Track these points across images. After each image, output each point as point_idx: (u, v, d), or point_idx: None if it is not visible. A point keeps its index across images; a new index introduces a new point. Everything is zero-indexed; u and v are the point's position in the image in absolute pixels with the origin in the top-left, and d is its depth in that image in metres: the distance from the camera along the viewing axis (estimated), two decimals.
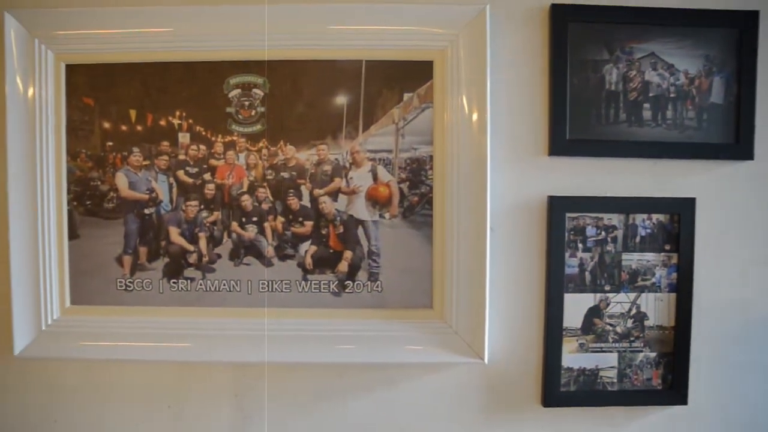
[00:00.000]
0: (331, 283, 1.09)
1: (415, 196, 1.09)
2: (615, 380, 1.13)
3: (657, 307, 1.13)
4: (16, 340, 1.02)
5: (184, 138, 1.07)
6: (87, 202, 1.03)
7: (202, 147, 1.08)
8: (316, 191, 1.09)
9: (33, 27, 1.01)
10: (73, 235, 1.05)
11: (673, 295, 1.13)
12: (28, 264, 1.02)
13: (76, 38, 1.02)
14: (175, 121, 1.05)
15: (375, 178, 1.10)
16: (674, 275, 1.13)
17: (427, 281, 1.09)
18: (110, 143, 1.05)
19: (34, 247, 1.02)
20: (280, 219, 1.07)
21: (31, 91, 1.01)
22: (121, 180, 1.05)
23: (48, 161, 1.03)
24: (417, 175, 1.10)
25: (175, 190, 1.08)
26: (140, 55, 1.04)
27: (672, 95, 1.12)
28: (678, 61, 1.11)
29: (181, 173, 1.08)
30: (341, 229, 1.08)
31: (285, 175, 1.09)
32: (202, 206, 1.07)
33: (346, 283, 1.09)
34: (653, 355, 1.13)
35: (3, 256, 1.02)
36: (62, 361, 1.01)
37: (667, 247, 1.13)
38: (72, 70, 1.03)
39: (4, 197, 1.02)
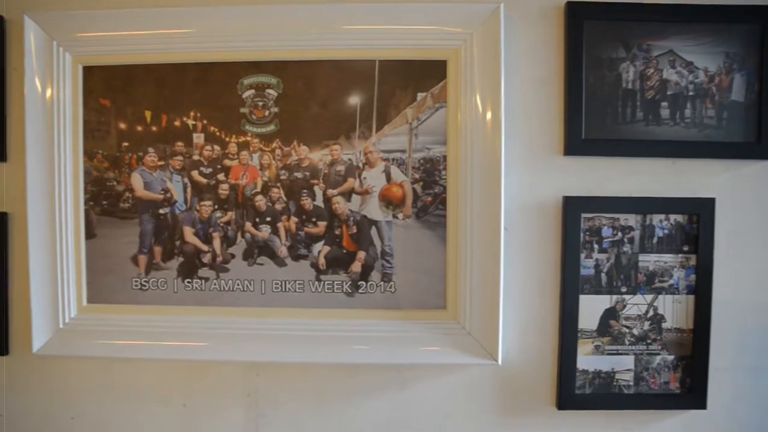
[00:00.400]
0: (344, 283, 1.08)
1: (428, 197, 1.09)
2: (631, 383, 1.11)
3: (675, 309, 1.11)
4: (34, 337, 1.04)
5: (198, 138, 1.08)
6: (103, 202, 1.04)
7: (216, 147, 1.08)
8: (330, 191, 1.09)
9: (51, 30, 1.03)
10: (89, 234, 1.06)
11: (691, 297, 1.11)
12: (46, 263, 1.03)
13: (92, 41, 1.03)
14: (190, 122, 1.06)
15: (388, 178, 1.09)
16: (692, 277, 1.11)
17: (440, 282, 1.08)
18: (126, 144, 1.06)
19: (52, 246, 1.04)
20: (294, 219, 1.08)
21: (49, 92, 1.03)
22: (137, 180, 1.06)
23: (65, 161, 1.04)
24: (431, 175, 1.09)
25: (189, 190, 1.08)
26: (155, 56, 1.05)
27: (691, 93, 1.10)
28: (697, 59, 1.09)
29: (195, 173, 1.08)
30: (354, 230, 1.08)
31: (298, 175, 1.09)
32: (216, 206, 1.08)
33: (359, 283, 1.09)
34: (671, 357, 1.11)
35: (22, 255, 1.04)
36: (79, 358, 1.02)
37: (686, 249, 1.11)
38: (89, 71, 1.04)
39: (23, 197, 1.04)
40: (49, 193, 1.03)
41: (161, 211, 1.07)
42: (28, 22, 1.02)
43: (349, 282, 1.08)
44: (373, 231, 1.08)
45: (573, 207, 1.09)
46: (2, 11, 1.04)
